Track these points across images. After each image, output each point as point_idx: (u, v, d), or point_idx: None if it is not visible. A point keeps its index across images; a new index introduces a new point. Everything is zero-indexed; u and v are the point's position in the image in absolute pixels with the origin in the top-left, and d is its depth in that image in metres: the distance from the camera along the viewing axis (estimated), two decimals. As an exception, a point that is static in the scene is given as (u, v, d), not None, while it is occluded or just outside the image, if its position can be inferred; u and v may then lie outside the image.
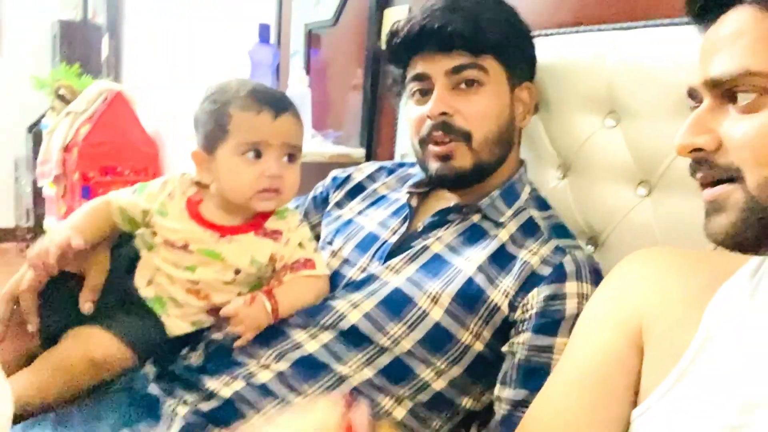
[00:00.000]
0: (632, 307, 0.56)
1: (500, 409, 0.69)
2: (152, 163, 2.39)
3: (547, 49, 0.84)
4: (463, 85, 0.77)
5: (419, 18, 0.77)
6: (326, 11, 1.43)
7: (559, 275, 0.71)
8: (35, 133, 2.88)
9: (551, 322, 0.69)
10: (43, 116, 2.71)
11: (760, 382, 0.43)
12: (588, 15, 0.87)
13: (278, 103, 0.75)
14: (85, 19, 3.06)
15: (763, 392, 0.43)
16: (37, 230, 2.86)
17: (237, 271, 0.76)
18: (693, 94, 0.49)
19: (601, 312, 0.59)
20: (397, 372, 0.72)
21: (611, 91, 0.78)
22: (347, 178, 0.98)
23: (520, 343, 0.70)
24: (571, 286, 0.70)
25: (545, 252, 0.74)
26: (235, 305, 0.73)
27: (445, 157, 0.78)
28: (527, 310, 0.70)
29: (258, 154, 0.74)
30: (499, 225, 0.78)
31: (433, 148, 0.79)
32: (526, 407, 0.63)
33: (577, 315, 0.67)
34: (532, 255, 0.74)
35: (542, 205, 0.82)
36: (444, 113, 0.77)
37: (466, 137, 0.77)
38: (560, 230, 0.79)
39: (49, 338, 0.75)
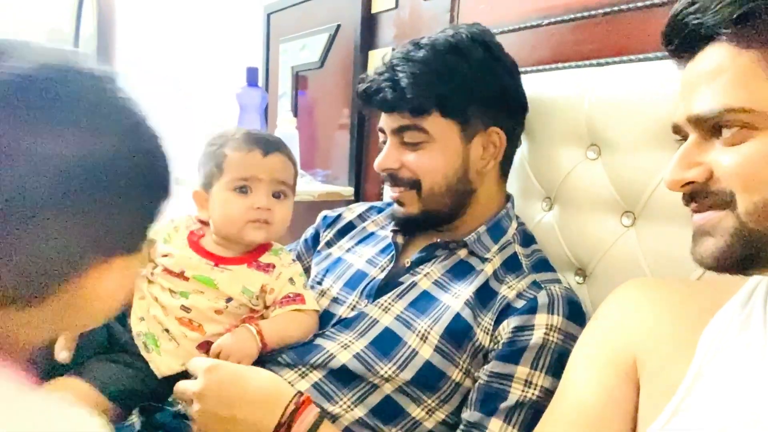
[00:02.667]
0: (624, 342, 0.55)
1: (458, 430, 0.70)
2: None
3: (528, 86, 0.86)
4: (408, 140, 0.79)
5: (367, 79, 0.81)
6: (312, 54, 1.46)
7: (531, 308, 0.71)
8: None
9: (515, 351, 0.69)
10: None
11: (749, 420, 0.43)
12: (566, 52, 0.90)
13: (268, 144, 0.82)
14: (75, 67, 3.09)
15: (753, 430, 0.42)
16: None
17: (228, 300, 0.78)
18: (677, 129, 0.51)
19: (593, 349, 0.59)
20: (388, 411, 0.71)
21: (591, 125, 0.79)
22: (338, 218, 0.99)
23: (485, 369, 0.70)
24: (540, 318, 0.70)
25: (522, 286, 0.74)
26: (223, 340, 0.74)
27: (397, 202, 0.83)
28: (497, 341, 0.71)
29: (248, 189, 0.80)
30: (485, 260, 0.79)
31: (390, 192, 0.84)
32: (480, 430, 0.67)
33: (542, 346, 0.68)
34: (510, 290, 0.74)
35: (527, 240, 0.83)
36: (389, 168, 0.81)
37: (415, 185, 0.80)
38: (541, 265, 0.79)
39: None
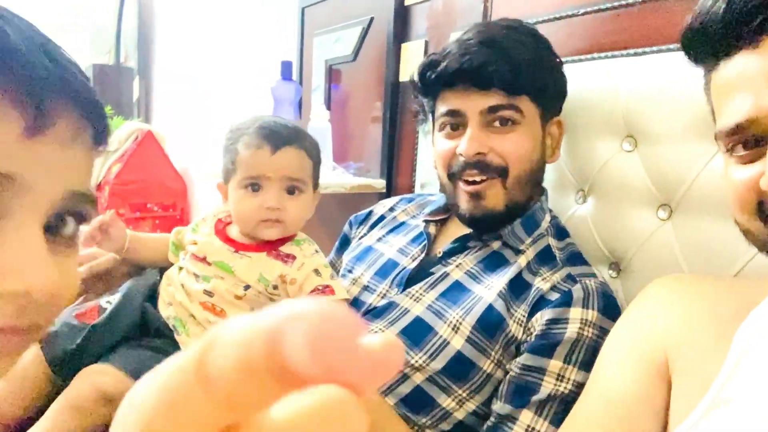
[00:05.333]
0: (657, 339, 0.55)
1: (489, 421, 0.70)
2: (180, 199, 2.45)
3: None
4: (497, 123, 0.75)
5: (456, 53, 0.75)
6: (346, 47, 1.47)
7: (565, 301, 0.70)
8: (69, 172, 2.98)
9: (548, 345, 0.68)
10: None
11: None
12: (602, 42, 0.88)
13: (279, 139, 0.78)
14: (117, 63, 3.19)
15: None
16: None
17: (246, 287, 0.79)
18: (742, 128, 0.46)
19: (625, 344, 0.58)
20: (419, 400, 0.72)
21: (627, 116, 0.78)
22: (368, 215, 1.00)
23: (517, 361, 0.70)
24: (575, 312, 0.69)
25: (557, 279, 0.73)
26: None
27: (475, 196, 0.77)
28: (530, 333, 0.70)
29: (258, 187, 0.79)
30: (518, 252, 0.78)
31: (464, 186, 0.78)
32: (511, 422, 0.66)
33: (576, 340, 0.67)
34: (544, 282, 0.73)
35: (560, 233, 0.82)
36: (479, 153, 0.75)
37: (503, 173, 0.76)
38: (575, 258, 0.78)
39: (64, 378, 0.76)
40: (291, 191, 0.80)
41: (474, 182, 0.77)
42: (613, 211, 0.81)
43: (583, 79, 0.86)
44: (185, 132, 2.53)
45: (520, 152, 0.76)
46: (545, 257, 0.77)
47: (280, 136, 0.79)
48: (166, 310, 0.81)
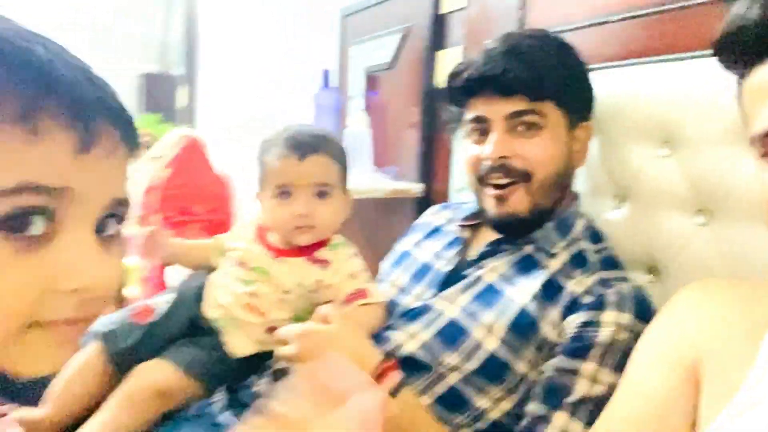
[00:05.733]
0: (687, 343, 0.55)
1: (523, 421, 0.71)
2: (223, 204, 2.53)
3: (599, 83, 0.85)
4: (521, 128, 0.77)
5: (480, 62, 0.78)
6: (384, 55, 1.50)
7: (599, 304, 0.71)
8: (121, 177, 3.11)
9: (582, 347, 0.69)
10: (127, 162, 2.94)
11: None
12: (637, 48, 0.88)
13: (305, 147, 0.81)
14: (165, 72, 3.32)
15: None
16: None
17: (286, 291, 0.83)
18: None
19: (656, 348, 0.59)
20: (454, 400, 0.74)
21: (663, 121, 0.78)
22: (409, 229, 1.02)
23: (550, 363, 0.71)
24: (608, 315, 0.70)
25: (590, 283, 0.74)
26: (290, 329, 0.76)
27: (500, 199, 0.79)
28: (564, 335, 0.71)
29: (289, 195, 0.82)
30: (551, 255, 0.79)
31: (490, 191, 0.80)
32: (545, 423, 0.67)
33: (610, 343, 0.68)
34: (577, 285, 0.74)
35: (595, 237, 0.83)
36: (503, 156, 0.77)
37: (526, 177, 0.78)
38: (609, 262, 0.79)
39: (123, 373, 0.81)
40: (321, 196, 0.83)
41: (499, 186, 0.79)
42: (649, 216, 0.81)
43: (619, 85, 0.86)
44: (228, 138, 2.61)
45: (543, 156, 0.77)
46: (579, 261, 0.78)
47: (306, 145, 0.82)
48: (212, 312, 0.85)
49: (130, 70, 3.47)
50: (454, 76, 0.82)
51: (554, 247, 0.80)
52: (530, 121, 0.77)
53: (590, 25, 0.96)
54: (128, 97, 3.48)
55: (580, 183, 0.89)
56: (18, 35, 0.32)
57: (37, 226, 0.32)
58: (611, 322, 0.70)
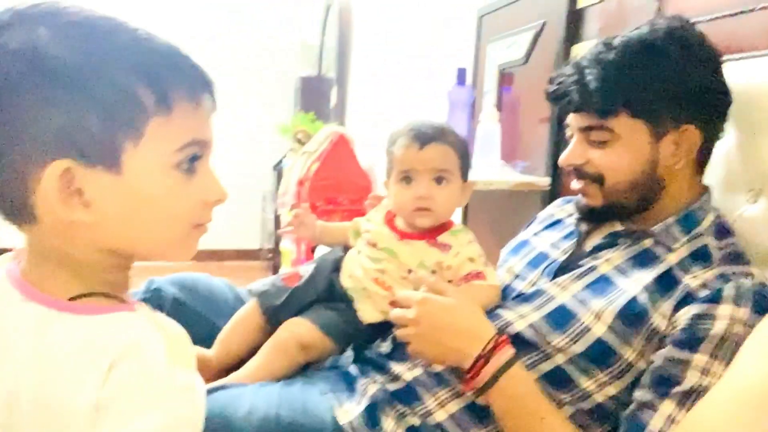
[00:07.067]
0: None
1: (629, 407, 0.72)
2: (366, 195, 2.72)
3: (737, 73, 0.82)
4: (594, 137, 0.81)
5: (555, 81, 0.84)
6: (518, 51, 1.54)
7: (715, 297, 0.70)
8: (278, 170, 3.47)
9: (694, 339, 0.69)
10: (284, 157, 3.27)
11: None
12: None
13: (425, 137, 0.92)
14: (319, 74, 3.63)
15: None
16: (275, 251, 3.42)
17: (409, 271, 0.92)
18: None
19: (766, 339, 0.58)
20: (559, 379, 0.78)
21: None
22: (534, 218, 1.07)
23: (660, 353, 0.71)
24: (724, 309, 0.69)
25: (709, 277, 0.73)
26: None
27: (582, 192, 0.86)
28: (675, 326, 0.71)
29: (410, 180, 0.92)
30: (671, 250, 0.79)
31: (574, 184, 0.87)
32: (651, 409, 0.68)
33: (724, 337, 0.67)
34: (694, 279, 0.74)
35: (722, 233, 0.81)
36: (573, 164, 0.84)
37: (599, 180, 0.82)
38: (733, 258, 0.77)
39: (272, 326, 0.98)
40: (439, 181, 0.92)
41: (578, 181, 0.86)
42: (786, 212, 0.78)
43: (760, 76, 0.83)
44: (372, 134, 2.80)
45: (615, 167, 0.80)
46: (700, 256, 0.78)
47: (426, 135, 0.92)
48: (346, 281, 0.99)
49: (289, 73, 3.84)
50: (548, 83, 0.87)
51: (675, 242, 0.80)
52: (598, 138, 0.81)
53: (732, 15, 0.92)
54: (288, 97, 3.86)
55: (711, 177, 0.87)
56: (139, 31, 0.48)
57: (194, 166, 0.50)
58: (726, 316, 0.69)
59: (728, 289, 0.71)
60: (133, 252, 0.51)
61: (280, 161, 3.42)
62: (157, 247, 0.52)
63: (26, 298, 0.48)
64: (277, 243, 3.39)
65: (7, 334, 0.48)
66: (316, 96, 3.52)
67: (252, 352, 0.96)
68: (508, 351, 0.77)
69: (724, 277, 0.73)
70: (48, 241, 0.49)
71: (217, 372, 0.95)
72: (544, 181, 1.35)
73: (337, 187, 2.65)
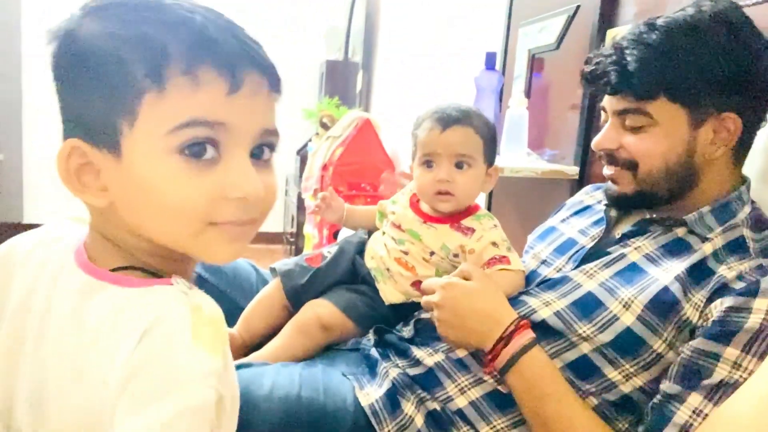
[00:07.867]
0: None
1: (655, 398, 0.71)
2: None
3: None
4: (629, 122, 0.79)
5: (593, 61, 0.81)
6: (550, 36, 1.50)
7: (751, 290, 0.68)
8: (302, 155, 3.48)
9: (726, 332, 0.67)
10: (309, 141, 3.28)
11: None
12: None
13: (448, 119, 0.90)
14: (345, 59, 3.61)
15: None
16: (299, 235, 3.43)
17: (431, 253, 0.92)
18: None
19: None
20: (584, 368, 0.76)
21: None
22: (562, 205, 1.05)
23: (690, 345, 0.69)
24: (761, 302, 0.67)
25: (745, 269, 0.71)
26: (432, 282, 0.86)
27: (612, 180, 0.84)
28: (707, 318, 0.69)
29: (432, 164, 0.92)
30: (705, 240, 0.77)
31: (605, 170, 0.85)
32: (678, 402, 0.67)
33: (759, 330, 0.65)
34: (729, 270, 0.72)
35: (760, 225, 0.78)
36: (606, 148, 0.82)
37: (632, 166, 0.80)
38: None
39: (295, 306, 0.99)
40: (459, 166, 0.91)
41: (610, 167, 0.83)
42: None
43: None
44: (396, 120, 2.78)
45: (650, 152, 0.77)
46: (736, 247, 0.75)
47: (449, 117, 0.91)
48: (369, 262, 0.99)
49: (315, 58, 3.83)
50: (585, 63, 0.84)
51: (710, 232, 0.77)
52: (634, 123, 0.78)
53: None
54: (313, 81, 3.86)
55: (751, 168, 0.84)
56: (180, 6, 0.45)
57: (209, 153, 0.44)
58: (763, 310, 0.67)
59: (765, 282, 0.68)
60: (157, 241, 0.48)
61: (305, 145, 3.42)
62: (172, 242, 0.47)
63: (77, 265, 0.50)
64: (299, 227, 3.41)
65: (56, 300, 0.49)
66: (341, 80, 3.50)
67: (274, 330, 0.97)
68: (528, 334, 0.77)
69: (761, 269, 0.70)
70: (92, 216, 0.50)
71: (240, 349, 0.96)
72: (573, 170, 1.33)
73: (361, 173, 2.65)
